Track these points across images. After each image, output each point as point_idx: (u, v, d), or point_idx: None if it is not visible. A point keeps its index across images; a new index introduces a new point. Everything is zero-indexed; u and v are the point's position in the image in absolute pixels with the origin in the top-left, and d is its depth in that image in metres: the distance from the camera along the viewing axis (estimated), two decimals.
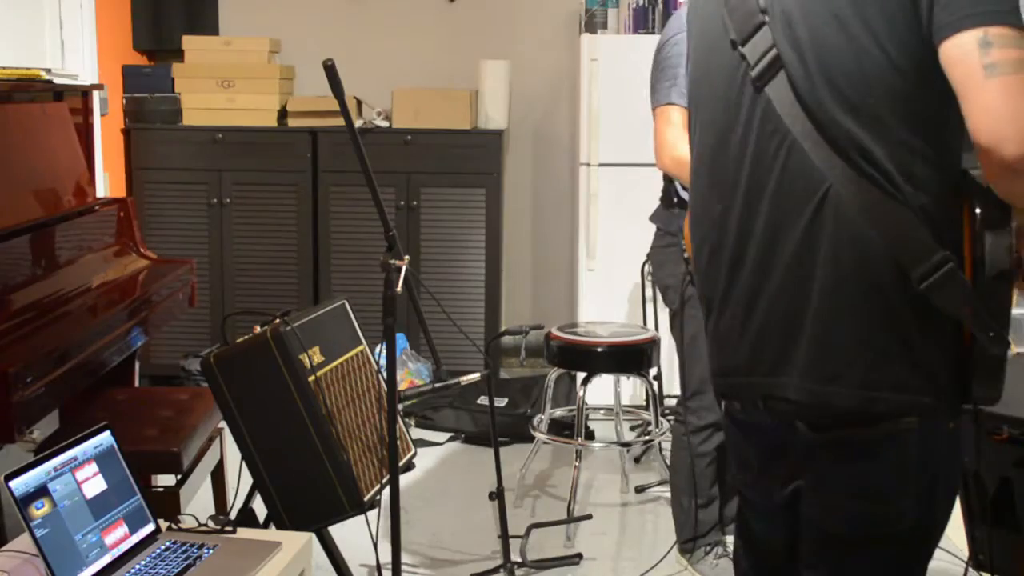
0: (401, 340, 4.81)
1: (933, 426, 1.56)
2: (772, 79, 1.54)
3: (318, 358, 2.67)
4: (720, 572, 3.20)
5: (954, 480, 1.63)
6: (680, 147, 2.70)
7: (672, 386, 4.55)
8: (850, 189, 1.49)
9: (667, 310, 3.24)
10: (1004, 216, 1.46)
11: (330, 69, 2.41)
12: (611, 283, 4.67)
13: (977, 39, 1.38)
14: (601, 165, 4.62)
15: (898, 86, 1.46)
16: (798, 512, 1.73)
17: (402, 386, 4.52)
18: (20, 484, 2.03)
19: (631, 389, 4.62)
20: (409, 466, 2.94)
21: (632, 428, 4.46)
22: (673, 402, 4.56)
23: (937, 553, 1.98)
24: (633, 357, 3.66)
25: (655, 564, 3.27)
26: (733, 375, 1.71)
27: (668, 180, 3.13)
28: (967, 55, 1.39)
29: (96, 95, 3.79)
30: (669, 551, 3.31)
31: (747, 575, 1.93)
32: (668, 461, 3.76)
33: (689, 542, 3.26)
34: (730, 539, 3.32)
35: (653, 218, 3.28)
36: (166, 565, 2.19)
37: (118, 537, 2.21)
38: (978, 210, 1.47)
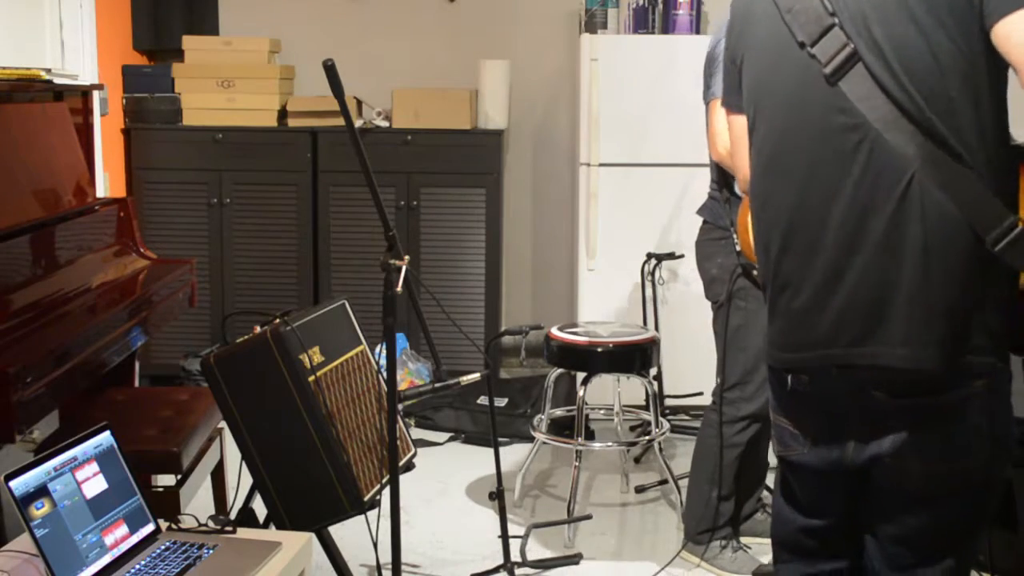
0: (401, 340, 4.81)
1: (996, 386, 1.76)
2: (847, 74, 1.71)
3: (318, 358, 2.67)
4: (740, 565, 3.20)
5: (1012, 431, 1.81)
6: None
7: (672, 386, 4.56)
8: (931, 169, 1.67)
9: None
10: None
11: (330, 69, 2.41)
12: (611, 283, 4.66)
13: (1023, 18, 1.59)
14: (601, 165, 4.62)
15: (968, 72, 1.66)
16: (855, 473, 1.87)
17: (402, 386, 4.52)
18: (20, 484, 2.03)
19: (631, 389, 4.61)
20: (409, 466, 2.94)
21: (632, 428, 4.46)
22: (674, 402, 4.57)
23: None
24: (633, 357, 3.66)
25: (669, 562, 3.27)
26: (807, 349, 1.84)
27: (723, 174, 3.09)
28: (1017, 32, 1.59)
29: (96, 95, 3.79)
30: (678, 553, 3.31)
31: (796, 536, 2.03)
32: (667, 462, 3.78)
33: (703, 534, 3.25)
34: (744, 538, 3.32)
35: (702, 211, 3.28)
36: (166, 565, 2.19)
37: (118, 537, 2.21)
38: None
